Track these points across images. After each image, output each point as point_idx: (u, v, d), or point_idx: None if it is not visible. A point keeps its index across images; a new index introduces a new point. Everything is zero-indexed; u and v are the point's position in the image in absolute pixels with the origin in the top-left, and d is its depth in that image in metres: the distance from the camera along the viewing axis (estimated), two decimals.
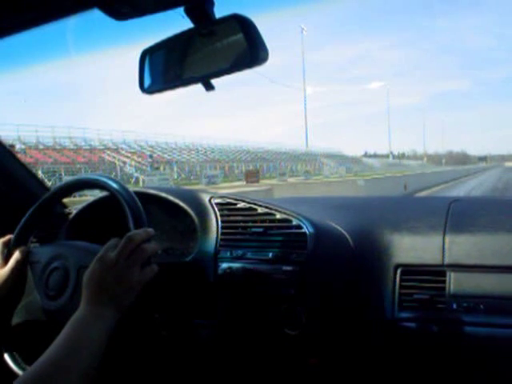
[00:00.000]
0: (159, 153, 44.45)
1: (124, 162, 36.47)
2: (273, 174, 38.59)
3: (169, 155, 44.66)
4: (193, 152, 48.74)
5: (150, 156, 38.93)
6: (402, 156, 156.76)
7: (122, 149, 41.77)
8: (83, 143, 41.11)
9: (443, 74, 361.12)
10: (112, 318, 1.02)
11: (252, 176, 29.10)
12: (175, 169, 36.10)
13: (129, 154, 40.03)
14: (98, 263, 1.06)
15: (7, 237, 1.33)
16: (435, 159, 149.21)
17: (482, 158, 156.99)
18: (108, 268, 1.05)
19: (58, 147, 38.23)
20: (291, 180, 29.36)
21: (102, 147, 41.22)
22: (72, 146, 39.61)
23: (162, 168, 34.84)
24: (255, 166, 43.62)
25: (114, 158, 37.33)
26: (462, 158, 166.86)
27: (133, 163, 36.31)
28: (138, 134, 51.02)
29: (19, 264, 1.27)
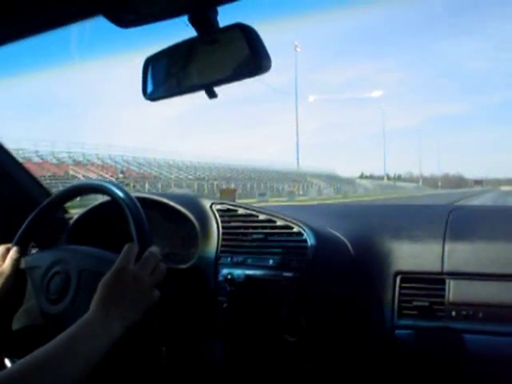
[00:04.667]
0: (135, 168, 43.47)
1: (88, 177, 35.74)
2: (256, 194, 37.74)
3: (144, 170, 43.68)
4: (174, 169, 47.65)
5: (122, 171, 37.94)
6: (398, 178, 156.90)
7: (92, 163, 40.84)
8: (51, 157, 40.08)
9: (442, 97, 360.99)
10: (121, 330, 1.01)
11: (227, 194, 27.39)
12: (146, 186, 35.09)
13: (97, 169, 39.04)
14: (120, 274, 1.04)
15: (10, 245, 1.32)
16: (431, 182, 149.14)
17: (478, 182, 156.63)
18: (132, 282, 1.04)
19: (22, 160, 37.40)
20: (272, 201, 28.22)
21: (71, 161, 40.32)
22: (37, 159, 38.66)
23: (131, 184, 33.70)
24: (238, 184, 42.56)
25: (78, 172, 36.64)
26: (458, 181, 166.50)
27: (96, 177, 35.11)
28: (117, 148, 49.25)
29: (15, 262, 1.27)
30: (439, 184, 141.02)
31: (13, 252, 1.29)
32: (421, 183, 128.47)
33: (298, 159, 69.96)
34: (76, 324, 0.99)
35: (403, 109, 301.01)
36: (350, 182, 70.89)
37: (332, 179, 65.83)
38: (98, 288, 1.04)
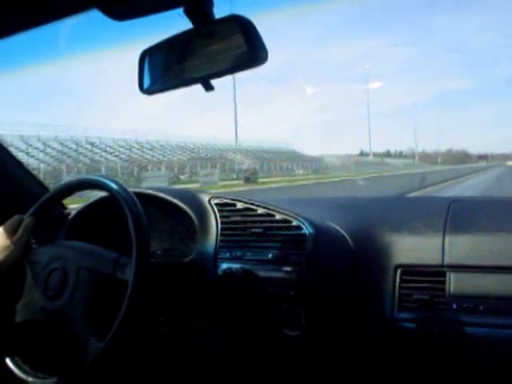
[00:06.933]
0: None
1: None
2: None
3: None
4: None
5: None
6: (399, 154, 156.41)
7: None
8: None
9: (446, 72, 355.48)
10: None
11: None
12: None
13: None
14: None
15: (16, 217, 1.32)
16: (432, 158, 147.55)
17: (482, 157, 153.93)
18: None
19: None
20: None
21: None
22: None
23: None
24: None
25: None
26: (462, 157, 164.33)
27: None
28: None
29: (28, 233, 1.29)
30: (439, 160, 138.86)
31: (26, 223, 1.30)
32: (417, 159, 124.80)
33: (236, 135, 61.71)
34: None
35: (406, 85, 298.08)
36: (314, 159, 63.16)
37: (290, 157, 59.35)
38: None
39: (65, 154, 38.81)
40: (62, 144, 40.12)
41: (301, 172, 49.77)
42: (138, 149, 45.65)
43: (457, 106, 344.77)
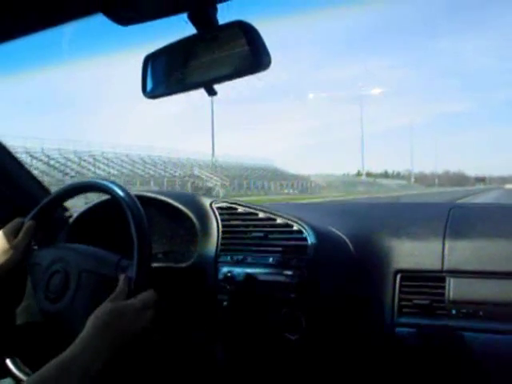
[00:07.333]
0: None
1: None
2: None
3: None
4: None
5: None
6: (397, 175, 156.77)
7: None
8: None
9: (446, 94, 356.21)
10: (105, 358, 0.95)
11: None
12: None
13: None
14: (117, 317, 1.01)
15: (17, 220, 1.32)
16: (430, 179, 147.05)
17: (480, 179, 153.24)
18: (131, 319, 1.02)
19: None
20: None
21: None
22: None
23: None
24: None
25: None
26: (459, 179, 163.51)
27: None
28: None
29: (29, 236, 1.28)
30: (436, 181, 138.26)
31: (27, 226, 1.29)
32: (413, 180, 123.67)
33: (213, 150, 56.56)
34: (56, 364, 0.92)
35: (405, 106, 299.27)
36: (298, 178, 58.81)
37: (272, 176, 55.11)
38: (89, 325, 0.98)
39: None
40: None
41: (285, 191, 47.19)
42: (89, 162, 42.57)
43: (455, 128, 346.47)
